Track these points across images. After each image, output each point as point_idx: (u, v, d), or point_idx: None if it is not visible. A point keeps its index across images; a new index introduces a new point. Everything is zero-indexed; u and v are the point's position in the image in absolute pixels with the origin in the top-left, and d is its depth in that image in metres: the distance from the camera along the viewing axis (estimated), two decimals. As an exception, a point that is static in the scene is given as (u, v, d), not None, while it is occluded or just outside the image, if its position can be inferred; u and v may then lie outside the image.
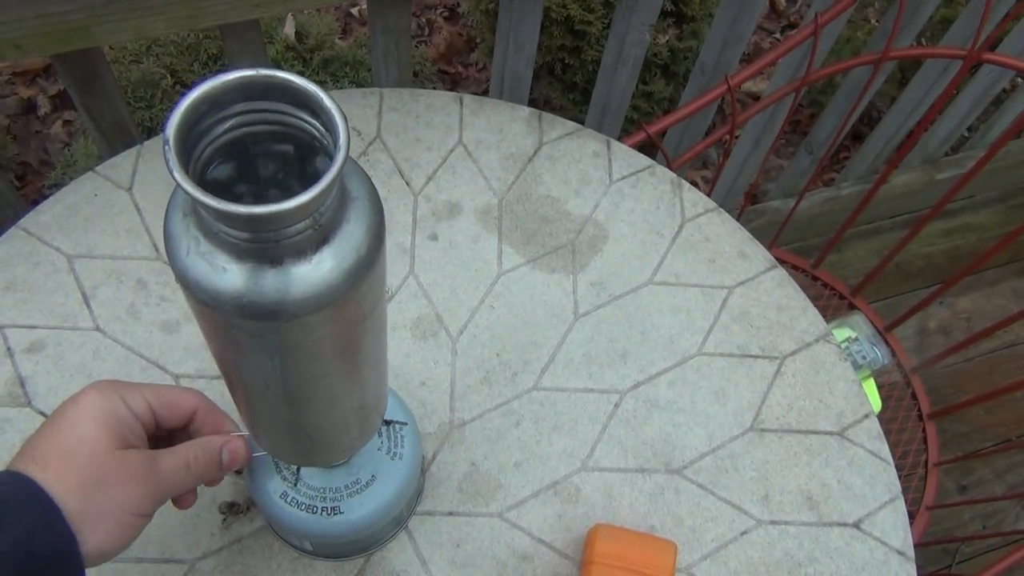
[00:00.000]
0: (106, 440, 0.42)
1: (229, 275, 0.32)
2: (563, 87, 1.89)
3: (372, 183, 0.35)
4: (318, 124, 0.32)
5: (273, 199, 0.29)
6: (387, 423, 0.57)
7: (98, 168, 0.79)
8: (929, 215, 1.08)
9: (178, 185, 0.29)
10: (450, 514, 0.67)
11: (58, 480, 0.40)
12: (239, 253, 0.31)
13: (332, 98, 0.31)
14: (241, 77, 0.31)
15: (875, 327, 1.07)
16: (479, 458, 0.69)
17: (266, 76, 0.31)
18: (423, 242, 0.78)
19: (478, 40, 2.12)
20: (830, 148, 1.29)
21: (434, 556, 0.65)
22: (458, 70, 2.20)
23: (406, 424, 0.55)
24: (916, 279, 1.73)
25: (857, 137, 2.10)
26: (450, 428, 0.70)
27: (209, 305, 0.33)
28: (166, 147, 0.29)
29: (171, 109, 0.30)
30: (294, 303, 0.32)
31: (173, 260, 0.33)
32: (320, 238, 0.32)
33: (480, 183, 0.81)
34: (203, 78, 0.31)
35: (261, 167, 0.35)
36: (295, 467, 0.57)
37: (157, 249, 0.75)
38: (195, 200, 0.29)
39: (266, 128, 0.33)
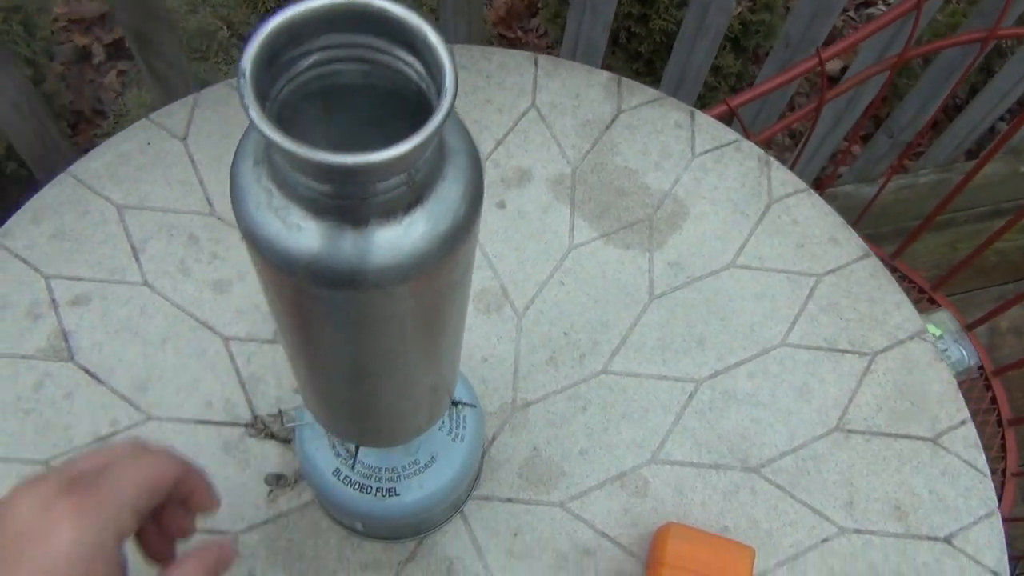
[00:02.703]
0: None
1: (304, 235, 0.27)
2: (627, 57, 1.82)
3: (471, 137, 0.30)
4: (418, 63, 0.27)
5: (363, 148, 0.24)
6: (454, 404, 0.53)
7: (152, 116, 0.75)
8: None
9: (254, 125, 0.24)
10: (509, 500, 0.63)
11: None
12: (318, 210, 0.27)
13: (438, 32, 0.26)
14: (330, 4, 0.26)
15: (960, 325, 1.00)
16: (542, 443, 0.64)
17: (359, 5, 0.27)
18: (490, 210, 0.73)
19: (540, 5, 2.05)
20: (923, 132, 1.22)
21: (490, 544, 0.61)
22: (518, 35, 2.14)
23: (474, 407, 0.50)
24: (991, 275, 1.64)
25: (933, 123, 2.01)
26: (512, 409, 0.66)
27: (279, 268, 0.28)
28: (241, 80, 0.25)
29: (248, 38, 0.25)
30: (377, 271, 0.28)
31: (240, 214, 0.29)
32: (413, 197, 0.27)
33: (553, 150, 0.76)
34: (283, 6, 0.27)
35: (347, 113, 0.31)
36: (350, 445, 0.53)
37: (211, 204, 0.71)
38: (272, 144, 0.24)
39: (355, 67, 0.29)
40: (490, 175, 0.75)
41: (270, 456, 0.62)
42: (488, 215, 0.73)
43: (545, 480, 0.63)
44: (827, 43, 1.01)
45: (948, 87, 1.29)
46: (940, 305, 1.08)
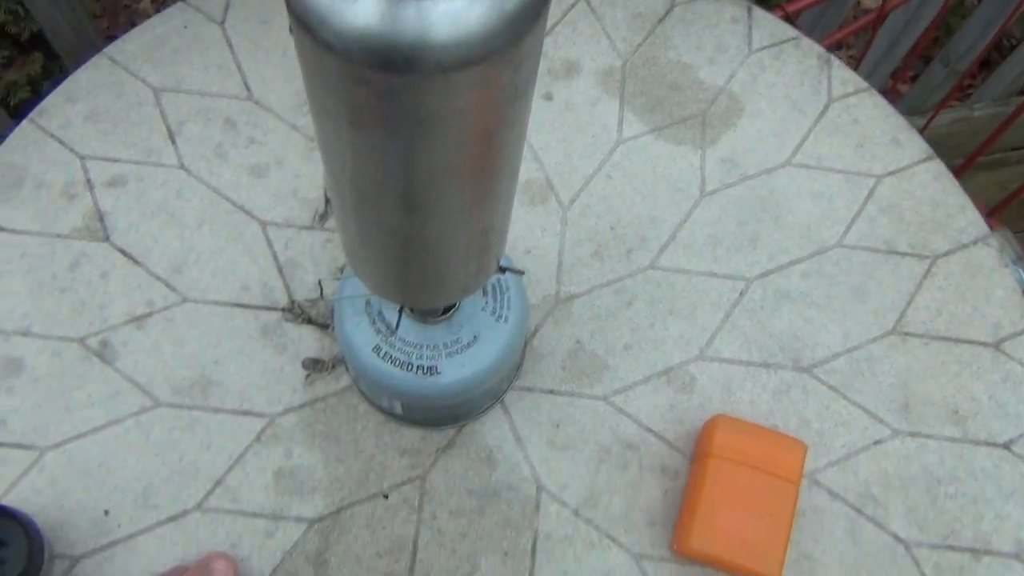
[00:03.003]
0: None
1: (361, 4, 0.25)
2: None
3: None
4: None
5: None
6: (501, 269, 0.51)
7: None
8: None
9: None
10: (551, 392, 0.61)
11: None
12: (376, -28, 0.25)
13: None
14: None
15: (1020, 249, 0.96)
16: (585, 336, 0.62)
17: None
18: (536, 101, 0.70)
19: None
20: (978, 62, 1.16)
21: (531, 435, 0.59)
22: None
23: (523, 273, 0.48)
24: (1043, 217, 1.59)
25: (987, 60, 1.94)
26: (555, 302, 0.63)
27: (331, 49, 0.26)
28: None
29: None
30: (439, 48, 0.25)
31: (290, -10, 0.26)
32: (480, -40, 0.25)
33: (603, 42, 0.73)
34: None
35: None
36: (390, 319, 0.51)
37: (248, 88, 0.69)
38: None
39: None
40: (536, 67, 0.72)
41: (307, 341, 0.61)
42: (534, 107, 0.70)
43: (588, 373, 0.61)
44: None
45: (1008, 13, 1.23)
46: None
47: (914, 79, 1.76)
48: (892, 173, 0.69)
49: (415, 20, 0.25)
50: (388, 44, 0.25)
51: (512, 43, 0.27)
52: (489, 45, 0.26)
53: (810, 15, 1.15)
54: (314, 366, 0.60)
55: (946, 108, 1.53)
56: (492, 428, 0.59)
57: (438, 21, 0.25)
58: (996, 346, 0.63)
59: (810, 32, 1.19)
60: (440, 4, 0.25)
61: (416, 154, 0.30)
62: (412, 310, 0.50)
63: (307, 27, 0.26)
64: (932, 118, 1.18)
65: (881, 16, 0.90)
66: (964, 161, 1.10)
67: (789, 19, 0.86)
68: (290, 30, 0.28)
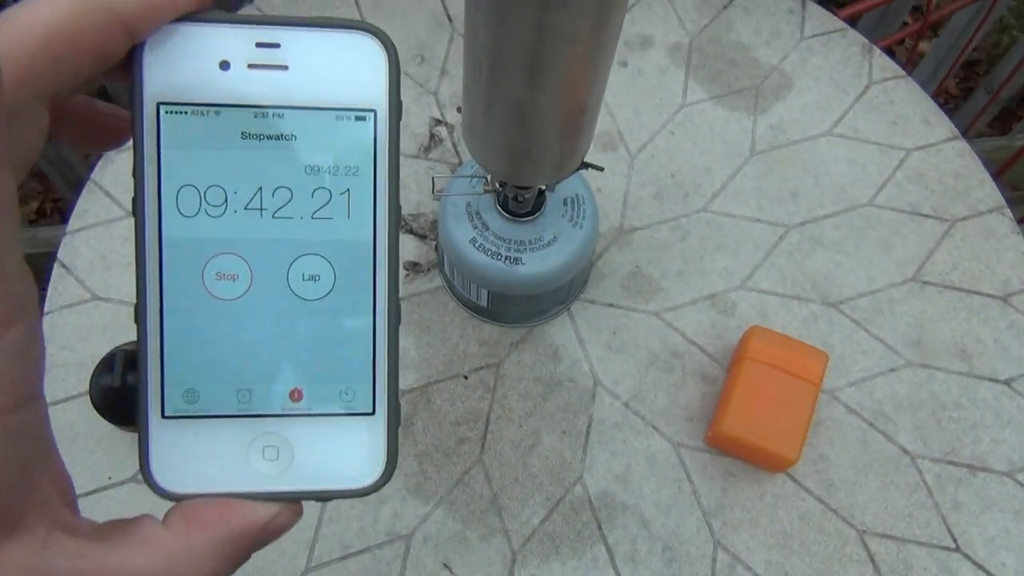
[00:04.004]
0: None
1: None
2: None
3: None
4: None
5: None
6: (584, 165, 0.61)
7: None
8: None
9: None
10: (610, 305, 0.71)
11: None
12: None
13: None
14: None
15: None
16: (643, 262, 0.73)
17: None
18: (612, 67, 0.81)
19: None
20: (1007, 81, 1.25)
21: (591, 338, 0.69)
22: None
23: (602, 169, 0.58)
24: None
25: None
26: (619, 232, 0.74)
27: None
28: None
29: None
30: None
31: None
32: None
33: (673, 22, 0.84)
34: None
35: None
36: (487, 218, 0.62)
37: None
38: None
39: None
40: (614, 40, 0.83)
41: (408, 246, 0.72)
42: (611, 71, 0.80)
43: (644, 292, 0.71)
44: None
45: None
46: None
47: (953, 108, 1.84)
48: (921, 148, 0.79)
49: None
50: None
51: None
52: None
53: (864, 20, 1.25)
54: (413, 268, 0.71)
55: (990, 137, 1.61)
56: (559, 330, 0.70)
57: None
58: (1004, 299, 0.72)
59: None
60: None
61: (547, 16, 0.41)
62: (506, 209, 0.61)
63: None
64: (969, 127, 1.26)
65: (924, 27, 1.00)
66: (996, 171, 1.19)
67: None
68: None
